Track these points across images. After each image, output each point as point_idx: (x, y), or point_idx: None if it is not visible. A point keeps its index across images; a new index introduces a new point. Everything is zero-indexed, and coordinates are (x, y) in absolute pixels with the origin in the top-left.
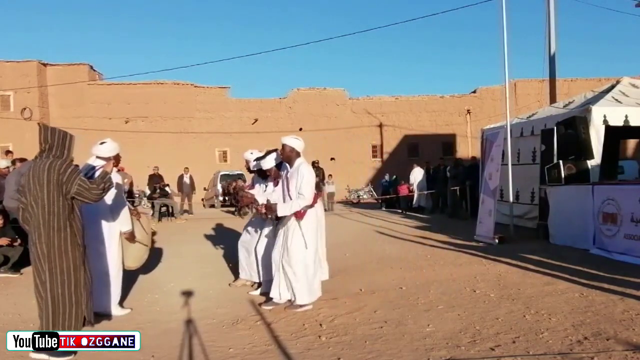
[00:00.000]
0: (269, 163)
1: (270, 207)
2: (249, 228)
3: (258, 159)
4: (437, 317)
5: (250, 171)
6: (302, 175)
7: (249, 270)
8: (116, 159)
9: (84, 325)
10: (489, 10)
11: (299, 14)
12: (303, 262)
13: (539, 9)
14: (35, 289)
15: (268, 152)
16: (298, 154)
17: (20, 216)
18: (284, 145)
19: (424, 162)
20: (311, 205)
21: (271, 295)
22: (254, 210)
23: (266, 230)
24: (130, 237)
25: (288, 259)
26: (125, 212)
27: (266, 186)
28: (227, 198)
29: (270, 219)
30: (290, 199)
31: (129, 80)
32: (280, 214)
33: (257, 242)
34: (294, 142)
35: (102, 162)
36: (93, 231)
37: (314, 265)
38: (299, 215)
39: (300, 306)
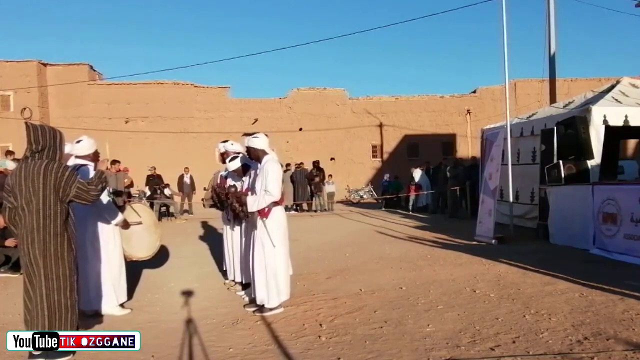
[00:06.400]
0: (235, 165)
1: (240, 199)
2: (228, 227)
3: (233, 159)
4: (437, 317)
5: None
6: (267, 172)
7: (233, 270)
8: (95, 156)
9: (77, 329)
10: (489, 10)
11: (299, 14)
12: (272, 262)
13: (539, 9)
14: (25, 294)
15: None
16: (264, 152)
17: (7, 216)
18: (248, 149)
19: (424, 161)
20: (277, 203)
21: (253, 296)
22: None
23: (243, 229)
24: (124, 225)
25: (256, 260)
26: (110, 206)
27: (242, 181)
28: (219, 203)
29: (243, 214)
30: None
31: (129, 80)
32: (249, 208)
33: (239, 242)
34: (254, 142)
35: (82, 162)
36: (84, 232)
37: (284, 264)
38: (263, 213)
39: (270, 309)
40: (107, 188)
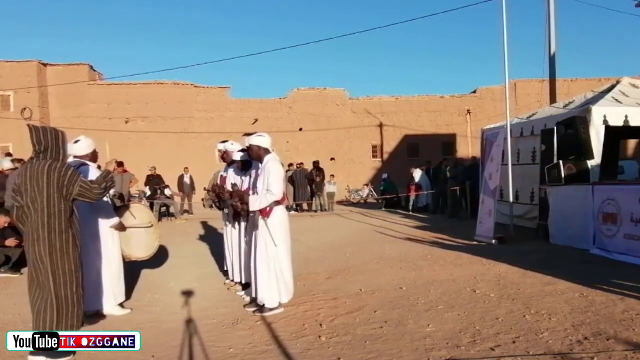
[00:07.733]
0: (240, 155)
1: (242, 197)
2: (228, 226)
3: (243, 150)
4: (437, 317)
5: (227, 163)
6: (269, 172)
7: (233, 270)
8: (93, 155)
9: (82, 324)
10: (489, 10)
11: (300, 14)
12: (275, 261)
13: (539, 9)
14: (31, 290)
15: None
16: (266, 150)
17: (15, 214)
18: (250, 147)
19: (425, 161)
20: (279, 202)
21: (253, 296)
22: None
23: (243, 229)
24: (120, 227)
25: (258, 260)
26: (108, 207)
27: (242, 180)
28: (218, 202)
29: (244, 212)
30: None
31: (129, 80)
32: (251, 207)
33: (239, 241)
34: (259, 139)
35: (79, 161)
36: (84, 232)
37: (287, 263)
38: (264, 213)
39: (270, 309)
40: (113, 189)
